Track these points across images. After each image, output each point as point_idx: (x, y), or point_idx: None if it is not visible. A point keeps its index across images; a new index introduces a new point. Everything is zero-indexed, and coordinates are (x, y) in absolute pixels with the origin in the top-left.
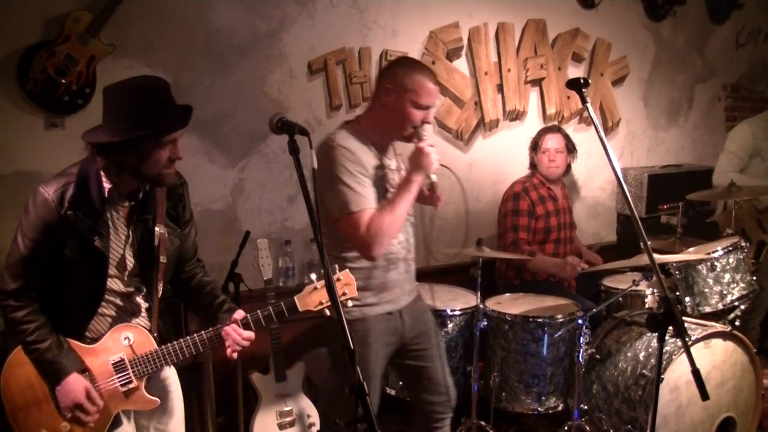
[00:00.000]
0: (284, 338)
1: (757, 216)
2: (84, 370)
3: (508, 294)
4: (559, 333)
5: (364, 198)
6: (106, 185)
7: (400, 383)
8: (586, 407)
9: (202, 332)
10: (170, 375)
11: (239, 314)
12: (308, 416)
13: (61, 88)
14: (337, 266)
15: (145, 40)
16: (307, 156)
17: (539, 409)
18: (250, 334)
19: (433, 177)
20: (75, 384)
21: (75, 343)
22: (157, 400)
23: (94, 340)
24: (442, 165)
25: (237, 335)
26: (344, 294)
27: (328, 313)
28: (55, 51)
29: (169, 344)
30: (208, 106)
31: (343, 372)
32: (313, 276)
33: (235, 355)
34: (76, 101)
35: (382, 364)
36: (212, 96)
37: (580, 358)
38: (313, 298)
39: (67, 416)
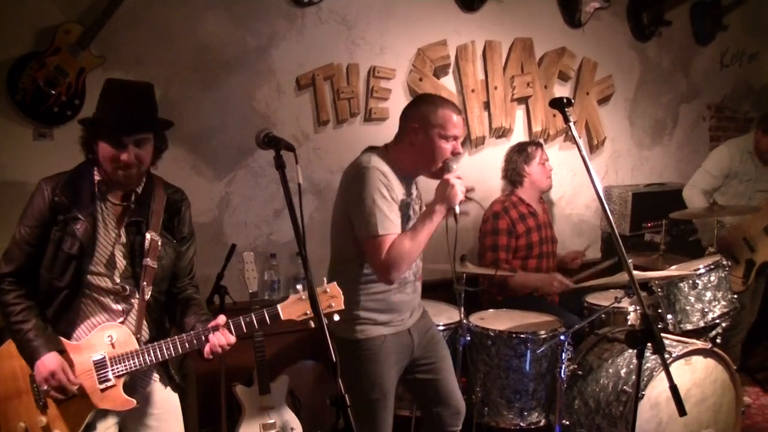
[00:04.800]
0: (268, 351)
1: (743, 235)
2: (62, 351)
3: (491, 309)
4: (542, 349)
5: (392, 223)
6: (97, 178)
7: (404, 398)
8: (567, 423)
9: (183, 335)
10: (172, 400)
11: (221, 319)
12: (291, 429)
13: (51, 99)
14: (325, 279)
15: (135, 53)
16: (293, 171)
17: (521, 424)
18: (231, 339)
19: (457, 209)
20: (51, 359)
21: (61, 339)
22: (134, 401)
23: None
24: (468, 198)
25: (221, 335)
26: (330, 306)
27: (312, 324)
28: (45, 62)
29: (149, 345)
30: (196, 119)
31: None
32: (299, 286)
33: (210, 356)
34: (66, 112)
35: (394, 382)
36: (201, 110)
37: (563, 374)
38: (297, 308)
39: (43, 387)
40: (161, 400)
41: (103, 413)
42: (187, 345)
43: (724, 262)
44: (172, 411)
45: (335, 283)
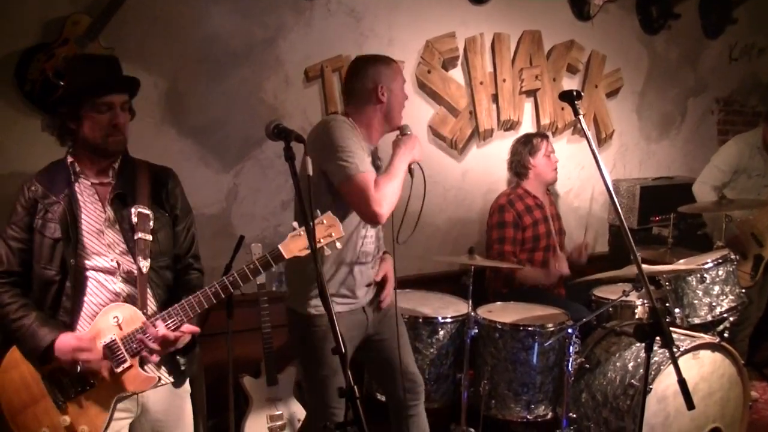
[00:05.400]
0: (276, 343)
1: (751, 230)
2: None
3: (499, 302)
4: (549, 342)
5: (368, 163)
6: (70, 160)
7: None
8: (574, 416)
9: (190, 297)
10: (184, 405)
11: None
12: (298, 420)
13: (59, 90)
14: (318, 210)
15: (143, 45)
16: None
17: (528, 417)
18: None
19: (414, 167)
20: (67, 336)
21: (68, 333)
22: (155, 376)
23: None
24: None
25: None
26: (330, 236)
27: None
28: (53, 53)
29: (157, 315)
30: (204, 111)
31: (301, 363)
32: (294, 224)
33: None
34: None
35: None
36: (208, 102)
37: (570, 367)
38: (297, 244)
39: (77, 370)
40: (172, 406)
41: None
42: (196, 306)
43: (732, 256)
44: (183, 418)
45: (329, 212)
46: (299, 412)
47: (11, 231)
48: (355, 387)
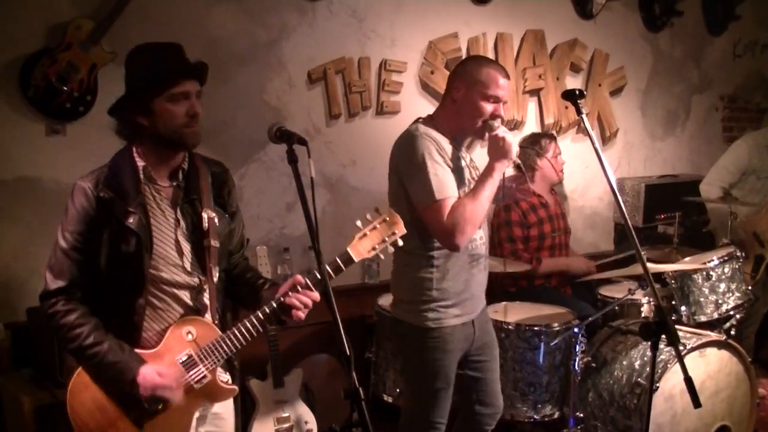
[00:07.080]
0: (282, 345)
1: (753, 229)
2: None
3: (505, 302)
4: (556, 341)
5: (448, 186)
6: (140, 163)
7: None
8: (581, 415)
9: (264, 307)
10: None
11: (298, 279)
12: (305, 422)
13: (63, 95)
14: (378, 208)
15: None
16: (306, 165)
17: (535, 416)
18: (315, 295)
19: (517, 159)
20: (149, 367)
21: (138, 352)
22: (236, 387)
23: (157, 343)
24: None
25: (303, 296)
26: (393, 234)
27: (382, 257)
28: (56, 58)
29: (233, 328)
30: (207, 114)
31: (414, 376)
32: (359, 223)
33: (303, 316)
34: (78, 108)
35: (455, 371)
36: (212, 104)
37: (576, 367)
38: (365, 245)
39: (156, 407)
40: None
41: None
42: (271, 316)
43: (738, 254)
44: (229, 410)
45: (392, 209)
46: (306, 414)
47: (73, 241)
48: (360, 389)
